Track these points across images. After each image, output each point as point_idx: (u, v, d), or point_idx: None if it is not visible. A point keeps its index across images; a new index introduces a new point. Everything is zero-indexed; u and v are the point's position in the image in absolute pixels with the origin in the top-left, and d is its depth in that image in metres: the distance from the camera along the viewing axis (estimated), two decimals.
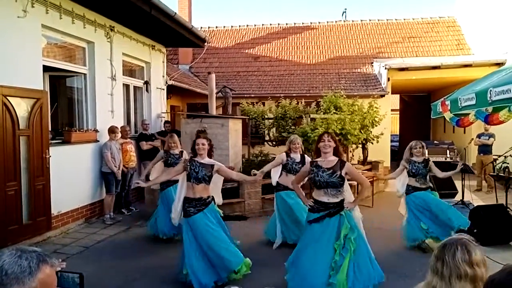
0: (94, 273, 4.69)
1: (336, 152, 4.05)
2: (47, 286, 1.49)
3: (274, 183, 5.91)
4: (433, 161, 6.08)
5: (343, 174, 3.96)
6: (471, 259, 1.70)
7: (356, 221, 4.12)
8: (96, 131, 7.34)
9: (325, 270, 3.82)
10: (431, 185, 5.83)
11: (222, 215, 4.75)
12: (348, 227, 3.93)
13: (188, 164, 4.48)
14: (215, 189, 4.71)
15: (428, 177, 5.77)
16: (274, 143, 10.52)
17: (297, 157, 5.75)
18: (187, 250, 4.31)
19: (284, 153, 5.86)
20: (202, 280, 4.17)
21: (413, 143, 5.79)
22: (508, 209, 6.31)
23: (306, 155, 5.87)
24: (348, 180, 4.15)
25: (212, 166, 4.49)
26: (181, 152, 6.26)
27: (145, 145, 8.60)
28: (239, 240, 4.91)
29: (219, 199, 4.89)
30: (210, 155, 4.65)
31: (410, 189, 5.77)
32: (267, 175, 5.97)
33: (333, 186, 3.93)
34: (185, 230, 4.39)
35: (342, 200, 4.00)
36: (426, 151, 12.56)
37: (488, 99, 4.37)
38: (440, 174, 5.78)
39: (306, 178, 4.38)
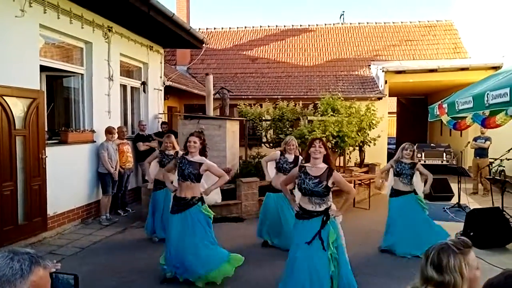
0: (90, 274, 4.67)
1: (326, 160, 3.99)
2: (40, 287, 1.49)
3: (268, 178, 5.98)
4: (430, 164, 6.10)
5: (329, 184, 3.89)
6: (462, 263, 1.71)
7: (338, 227, 4.07)
8: (93, 131, 7.32)
9: (325, 280, 3.78)
10: (415, 188, 5.69)
11: (211, 217, 4.65)
12: (335, 235, 3.87)
13: (178, 161, 4.51)
14: (213, 187, 4.66)
15: (412, 180, 5.64)
16: (271, 144, 10.52)
17: (290, 157, 5.77)
18: (167, 243, 4.52)
19: (279, 151, 5.92)
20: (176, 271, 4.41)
21: (405, 145, 5.76)
22: (504, 212, 6.34)
23: (300, 157, 5.85)
24: (335, 187, 4.10)
25: (200, 164, 4.45)
26: (176, 153, 6.23)
27: (142, 146, 8.58)
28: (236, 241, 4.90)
29: (218, 197, 4.92)
30: (203, 154, 4.61)
31: (392, 192, 5.73)
32: (263, 176, 6.00)
33: (317, 195, 3.88)
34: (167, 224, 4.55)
35: (327, 209, 3.93)
36: (423, 154, 12.51)
37: (485, 102, 4.39)
38: (420, 184, 5.69)
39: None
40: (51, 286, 1.62)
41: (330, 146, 8.46)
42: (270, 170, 5.93)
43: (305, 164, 4.05)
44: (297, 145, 5.91)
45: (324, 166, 3.96)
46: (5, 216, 5.35)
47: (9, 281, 1.39)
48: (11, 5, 5.45)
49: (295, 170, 4.17)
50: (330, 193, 3.99)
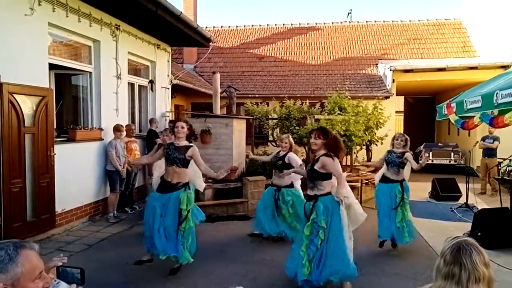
0: (97, 270, 4.70)
1: (329, 147, 4.12)
2: (33, 267, 1.52)
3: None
4: (438, 164, 6.09)
5: (316, 167, 4.08)
6: (485, 260, 1.69)
7: (353, 215, 4.28)
8: (101, 129, 7.36)
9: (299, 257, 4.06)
10: (404, 178, 5.69)
11: (189, 209, 4.62)
12: (319, 212, 4.03)
13: (166, 147, 4.61)
14: (196, 174, 4.86)
15: (401, 169, 5.63)
16: (277, 143, 10.52)
17: (281, 153, 6.00)
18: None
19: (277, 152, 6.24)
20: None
21: (397, 135, 5.85)
22: None
23: (290, 153, 5.94)
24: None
25: (186, 148, 4.56)
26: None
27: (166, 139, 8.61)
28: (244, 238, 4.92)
29: (200, 184, 5.05)
30: (189, 141, 4.73)
31: (381, 178, 5.79)
32: (270, 175, 6.13)
33: (309, 179, 4.17)
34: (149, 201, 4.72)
35: (316, 195, 4.12)
36: (430, 153, 12.44)
37: (494, 101, 4.35)
38: (415, 165, 5.64)
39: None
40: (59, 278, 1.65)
41: None
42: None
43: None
44: (292, 142, 6.05)
45: (320, 153, 4.15)
46: (13, 212, 5.40)
47: (1, 268, 1.42)
48: (21, 4, 5.50)
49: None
50: (327, 180, 4.12)
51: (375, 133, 10.26)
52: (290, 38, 18.06)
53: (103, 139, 7.35)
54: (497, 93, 4.30)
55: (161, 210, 4.52)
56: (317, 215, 4.03)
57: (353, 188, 8.57)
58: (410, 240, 5.49)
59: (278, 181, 5.97)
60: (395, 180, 5.60)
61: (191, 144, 4.65)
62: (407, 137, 5.78)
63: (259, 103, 11.45)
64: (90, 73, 7.35)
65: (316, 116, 9.64)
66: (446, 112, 6.28)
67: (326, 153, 4.10)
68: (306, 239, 4.05)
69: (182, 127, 4.61)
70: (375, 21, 18.54)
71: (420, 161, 5.89)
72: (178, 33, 8.89)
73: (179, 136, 4.59)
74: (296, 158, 5.87)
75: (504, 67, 11.66)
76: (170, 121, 10.10)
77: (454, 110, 5.90)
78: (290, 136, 6.16)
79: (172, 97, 11.14)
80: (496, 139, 9.67)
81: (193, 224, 4.71)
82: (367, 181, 9.35)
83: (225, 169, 4.60)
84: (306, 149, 9.56)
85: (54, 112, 6.30)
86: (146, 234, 4.70)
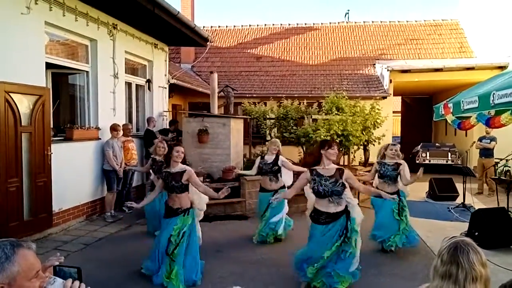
0: (94, 270, 4.69)
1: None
2: (30, 266, 1.51)
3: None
4: (435, 164, 6.07)
5: (344, 181, 4.00)
6: (482, 260, 1.69)
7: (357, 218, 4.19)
8: (98, 128, 7.35)
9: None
10: (399, 189, 5.58)
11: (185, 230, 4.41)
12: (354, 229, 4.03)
13: (162, 176, 4.49)
14: (196, 195, 4.62)
15: (397, 180, 5.54)
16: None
17: (270, 158, 5.99)
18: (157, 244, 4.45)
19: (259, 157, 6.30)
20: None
21: (390, 145, 5.70)
22: (509, 213, 6.30)
23: (281, 156, 5.99)
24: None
25: (181, 173, 4.37)
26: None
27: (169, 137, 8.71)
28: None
29: (201, 205, 4.77)
30: (184, 163, 4.54)
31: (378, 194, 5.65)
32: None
33: (337, 195, 3.96)
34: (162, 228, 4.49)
35: (347, 206, 4.04)
36: (427, 154, 12.47)
37: (491, 102, 4.37)
38: (406, 181, 5.52)
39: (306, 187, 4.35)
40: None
41: None
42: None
43: (315, 167, 4.07)
44: (278, 146, 6.06)
45: (333, 166, 4.07)
46: (10, 212, 5.39)
47: None
48: (17, 2, 5.48)
49: (306, 175, 4.13)
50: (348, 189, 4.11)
51: (373, 133, 10.28)
52: (288, 38, 18.05)
53: (100, 139, 7.33)
54: (494, 93, 4.32)
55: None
56: (350, 231, 4.01)
57: (351, 188, 8.62)
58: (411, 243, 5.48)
59: (275, 186, 5.93)
60: (393, 192, 5.41)
61: (185, 168, 4.43)
62: (399, 146, 5.71)
63: (256, 103, 11.44)
64: (87, 72, 7.33)
65: (313, 116, 9.64)
66: (443, 113, 6.30)
67: (339, 167, 4.13)
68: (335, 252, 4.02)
69: (183, 152, 4.45)
70: (373, 22, 18.56)
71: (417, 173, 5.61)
72: (176, 33, 8.88)
73: (176, 161, 4.42)
74: (288, 161, 6.08)
75: (501, 67, 11.70)
76: (171, 122, 10.10)
77: (451, 110, 5.92)
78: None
79: (169, 97, 11.12)
80: (493, 139, 9.71)
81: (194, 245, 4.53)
82: (364, 181, 9.33)
83: (225, 189, 4.26)
84: (304, 148, 9.58)
85: (51, 111, 6.28)
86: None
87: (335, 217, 3.97)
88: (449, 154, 13.13)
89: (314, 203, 4.12)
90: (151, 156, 6.47)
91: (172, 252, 4.23)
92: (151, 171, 6.28)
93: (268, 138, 10.81)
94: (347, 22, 19.08)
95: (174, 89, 11.87)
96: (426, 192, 9.61)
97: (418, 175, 5.50)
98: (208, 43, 10.73)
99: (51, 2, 6.06)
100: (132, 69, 9.16)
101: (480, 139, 9.97)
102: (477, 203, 8.22)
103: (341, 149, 9.32)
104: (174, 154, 4.39)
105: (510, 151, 8.50)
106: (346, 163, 10.02)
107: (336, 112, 9.55)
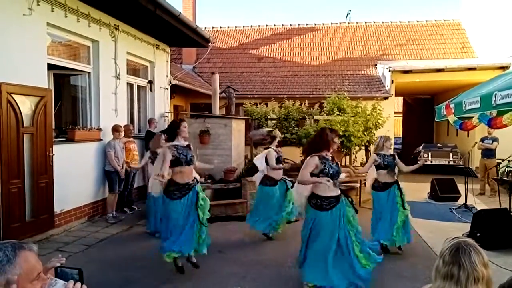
0: (96, 271, 4.69)
1: None
2: (31, 268, 1.51)
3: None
4: (437, 164, 6.12)
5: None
6: (484, 260, 1.69)
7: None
8: (100, 129, 7.35)
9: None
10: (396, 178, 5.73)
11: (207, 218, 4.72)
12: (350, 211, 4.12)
13: (174, 149, 4.51)
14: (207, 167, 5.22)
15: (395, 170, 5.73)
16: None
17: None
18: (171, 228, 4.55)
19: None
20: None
21: (386, 137, 5.83)
22: (511, 213, 6.29)
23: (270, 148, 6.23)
24: None
25: (189, 145, 4.72)
26: None
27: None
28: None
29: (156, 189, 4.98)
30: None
31: (381, 185, 5.63)
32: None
33: (338, 177, 4.14)
34: (172, 209, 4.53)
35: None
36: (429, 154, 12.52)
37: (493, 102, 4.36)
38: (404, 168, 5.77)
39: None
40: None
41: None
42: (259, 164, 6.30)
43: (320, 153, 4.09)
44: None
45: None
46: (12, 213, 5.39)
47: None
48: (19, 4, 5.49)
49: (313, 161, 4.04)
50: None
51: (374, 134, 10.27)
52: (289, 39, 18.07)
53: (102, 140, 7.33)
54: (496, 94, 4.31)
55: (184, 213, 4.53)
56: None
57: (352, 188, 8.61)
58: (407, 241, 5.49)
59: (276, 174, 6.14)
60: (394, 182, 5.61)
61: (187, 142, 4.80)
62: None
63: (258, 104, 11.46)
64: (89, 73, 7.34)
65: (315, 117, 9.66)
66: (445, 113, 6.28)
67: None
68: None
69: (185, 126, 4.72)
70: (374, 22, 18.56)
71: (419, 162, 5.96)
72: (177, 34, 8.88)
73: (184, 136, 4.68)
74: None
75: (503, 68, 11.68)
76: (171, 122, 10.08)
77: (453, 111, 5.91)
78: None
79: (171, 98, 11.13)
80: (495, 140, 9.68)
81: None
82: (365, 182, 9.33)
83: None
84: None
85: (53, 112, 6.29)
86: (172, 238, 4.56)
87: (337, 200, 4.07)
88: (451, 154, 13.12)
89: (319, 190, 4.04)
90: (150, 149, 6.54)
91: (202, 218, 4.52)
92: (149, 162, 6.33)
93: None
94: (348, 23, 19.09)
95: (175, 90, 11.88)
96: (428, 193, 9.59)
97: (420, 164, 6.01)
98: (209, 44, 10.74)
99: (53, 3, 6.07)
100: (133, 70, 9.17)
101: (482, 140, 9.95)
102: (479, 204, 8.20)
103: (342, 149, 9.32)
104: (182, 129, 4.64)
105: None
106: (347, 164, 10.01)
107: (338, 112, 9.55)
